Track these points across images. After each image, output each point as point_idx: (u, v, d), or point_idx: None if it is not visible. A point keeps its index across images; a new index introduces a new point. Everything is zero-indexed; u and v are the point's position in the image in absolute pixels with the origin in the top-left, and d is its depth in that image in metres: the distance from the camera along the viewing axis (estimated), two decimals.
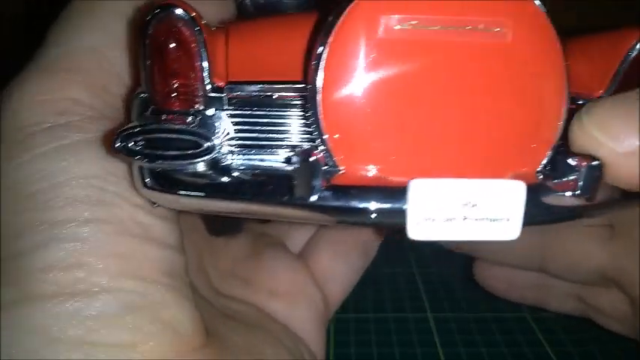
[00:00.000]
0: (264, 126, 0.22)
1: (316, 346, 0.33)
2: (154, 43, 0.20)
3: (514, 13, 0.20)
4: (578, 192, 0.21)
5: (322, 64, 0.19)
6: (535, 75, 0.20)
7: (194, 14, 0.20)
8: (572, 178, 0.21)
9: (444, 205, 0.19)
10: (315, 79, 0.19)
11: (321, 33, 0.19)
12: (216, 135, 0.21)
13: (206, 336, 0.24)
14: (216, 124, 0.21)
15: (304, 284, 0.35)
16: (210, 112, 0.21)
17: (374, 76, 0.19)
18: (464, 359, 0.43)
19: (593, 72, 0.24)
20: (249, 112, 0.22)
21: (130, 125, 0.20)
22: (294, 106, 0.22)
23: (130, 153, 0.19)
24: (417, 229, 0.19)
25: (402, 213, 0.19)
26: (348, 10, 0.19)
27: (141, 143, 0.20)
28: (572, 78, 0.23)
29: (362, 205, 0.20)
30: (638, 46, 0.23)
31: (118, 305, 0.21)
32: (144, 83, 0.21)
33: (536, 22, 0.20)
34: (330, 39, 0.19)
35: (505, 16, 0.20)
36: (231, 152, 0.21)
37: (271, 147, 0.22)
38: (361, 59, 0.19)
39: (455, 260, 0.58)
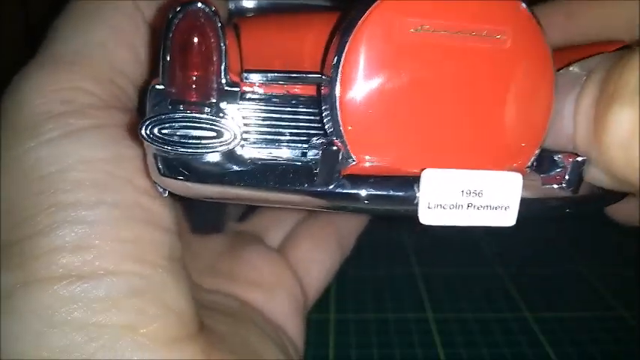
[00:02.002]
0: (275, 120, 0.23)
1: (295, 335, 0.34)
2: (178, 37, 0.21)
3: (513, 21, 0.22)
4: (565, 185, 0.23)
5: (342, 59, 0.21)
6: (529, 78, 0.22)
7: (215, 9, 0.21)
8: (557, 172, 0.23)
9: (452, 193, 0.21)
10: (335, 73, 0.21)
11: (341, 31, 0.21)
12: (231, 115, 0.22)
13: (200, 323, 0.25)
14: (230, 117, 0.22)
15: (282, 275, 0.36)
16: (224, 104, 0.22)
17: (388, 74, 0.21)
18: None
19: None
20: (261, 107, 0.23)
21: (155, 114, 0.20)
22: (305, 100, 0.23)
23: (155, 140, 0.20)
24: (428, 215, 0.22)
25: (413, 200, 0.21)
26: (369, 11, 0.21)
27: (164, 132, 0.20)
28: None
29: (379, 192, 0.22)
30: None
31: (123, 288, 0.21)
32: (163, 75, 0.21)
33: (531, 30, 0.22)
34: (351, 37, 0.21)
35: (505, 24, 0.22)
36: (242, 146, 0.22)
37: (282, 140, 0.23)
38: (377, 58, 0.21)
39: (455, 260, 0.58)
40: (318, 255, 0.39)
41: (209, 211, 0.38)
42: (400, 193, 0.22)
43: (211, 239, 0.37)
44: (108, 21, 0.25)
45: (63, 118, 0.22)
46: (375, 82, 0.21)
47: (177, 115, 0.20)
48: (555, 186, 0.23)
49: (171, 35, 0.21)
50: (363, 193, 0.21)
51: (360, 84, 0.21)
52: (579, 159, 0.22)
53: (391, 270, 0.56)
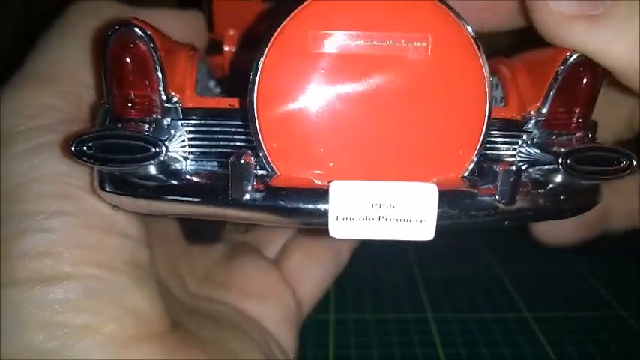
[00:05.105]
0: (215, 134, 0.24)
1: (287, 344, 0.35)
2: (113, 57, 0.22)
3: (433, 27, 0.21)
4: (497, 196, 0.22)
5: (257, 78, 0.21)
6: (454, 85, 0.22)
7: (150, 32, 0.22)
8: (494, 183, 0.22)
9: (361, 205, 0.21)
10: (251, 93, 0.21)
11: (256, 50, 0.21)
12: (171, 142, 0.23)
13: (169, 324, 0.26)
14: (171, 132, 0.23)
15: (275, 284, 0.37)
16: (166, 120, 0.23)
17: (304, 89, 0.21)
18: None
19: (532, 84, 0.26)
20: (201, 122, 0.23)
21: (84, 131, 0.22)
22: (240, 116, 0.23)
23: (83, 157, 0.21)
24: (338, 228, 0.21)
25: (325, 213, 0.21)
26: (280, 27, 0.21)
27: (94, 148, 0.21)
28: (518, 89, 0.25)
29: (289, 205, 0.21)
30: (569, 61, 0.24)
31: (81, 290, 0.23)
32: (105, 93, 0.22)
33: (456, 35, 0.22)
34: (263, 56, 0.21)
35: (424, 31, 0.21)
36: (185, 158, 0.23)
37: (221, 154, 0.24)
38: (292, 74, 0.21)
39: (455, 260, 0.58)
40: (312, 266, 0.40)
41: (203, 221, 0.39)
42: (311, 206, 0.21)
43: (211, 249, 0.39)
44: (79, 39, 0.27)
45: (29, 133, 0.24)
46: (294, 96, 0.21)
47: (102, 133, 0.21)
48: (491, 198, 0.22)
49: (106, 56, 0.22)
50: (275, 205, 0.21)
51: (278, 99, 0.21)
52: (512, 168, 0.22)
53: (391, 270, 0.56)
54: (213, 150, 0.24)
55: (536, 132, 0.25)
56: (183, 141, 0.23)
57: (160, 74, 0.22)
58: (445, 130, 0.22)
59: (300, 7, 0.21)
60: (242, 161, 0.21)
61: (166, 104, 0.23)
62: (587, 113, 0.25)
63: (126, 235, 0.25)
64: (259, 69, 0.21)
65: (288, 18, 0.21)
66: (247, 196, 0.21)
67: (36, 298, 0.22)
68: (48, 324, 0.22)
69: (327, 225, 0.21)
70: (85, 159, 0.21)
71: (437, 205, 0.21)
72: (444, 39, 0.21)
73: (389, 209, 0.21)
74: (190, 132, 0.24)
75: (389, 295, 0.51)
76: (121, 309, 0.24)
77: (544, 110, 0.25)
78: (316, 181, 0.22)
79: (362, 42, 0.21)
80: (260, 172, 0.22)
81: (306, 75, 0.21)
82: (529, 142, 0.25)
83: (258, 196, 0.21)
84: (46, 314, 0.22)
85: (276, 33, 0.21)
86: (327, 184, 0.21)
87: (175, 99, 0.23)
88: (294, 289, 0.38)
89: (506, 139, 0.25)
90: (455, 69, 0.22)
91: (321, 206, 0.21)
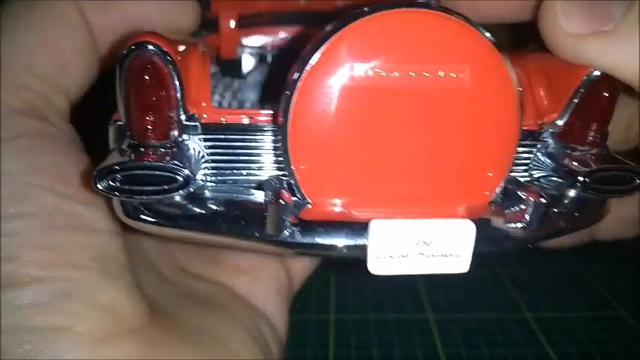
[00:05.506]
0: (237, 149, 0.23)
1: (279, 321, 0.35)
2: (130, 80, 0.21)
3: (472, 59, 0.21)
4: (526, 224, 0.22)
5: (294, 99, 0.20)
6: (488, 112, 0.22)
7: (166, 48, 0.21)
8: (520, 209, 0.23)
9: (401, 243, 0.21)
10: (286, 113, 0.21)
11: (293, 70, 0.21)
12: (191, 159, 0.22)
13: (149, 316, 0.25)
14: (190, 149, 0.22)
15: (267, 260, 0.37)
16: (184, 137, 0.22)
17: (340, 115, 0.21)
18: None
19: (549, 94, 0.25)
20: (222, 136, 0.23)
21: (106, 164, 0.21)
22: (266, 131, 0.23)
23: (111, 191, 0.21)
24: (377, 265, 0.21)
25: (364, 249, 0.21)
26: (319, 51, 0.20)
27: (117, 182, 0.21)
28: (534, 97, 0.25)
29: (328, 241, 0.22)
30: (591, 77, 0.24)
31: (49, 293, 0.22)
32: (122, 116, 0.22)
33: (493, 66, 0.21)
34: (302, 78, 0.20)
35: (462, 62, 0.21)
36: (206, 175, 0.23)
37: (243, 171, 0.23)
38: (329, 100, 0.21)
39: None
40: None
41: None
42: (350, 243, 0.22)
43: None
44: (36, 26, 0.25)
45: None
46: (327, 124, 0.21)
47: (128, 165, 0.21)
48: (517, 225, 0.23)
49: (123, 79, 0.21)
50: (313, 242, 0.22)
51: (312, 124, 0.21)
52: (542, 200, 0.22)
53: None
54: (236, 167, 0.23)
55: (550, 142, 0.25)
56: (203, 157, 0.23)
57: (179, 94, 0.21)
58: (476, 155, 0.22)
59: (340, 33, 0.20)
60: (281, 201, 0.21)
61: (186, 122, 0.22)
62: (604, 128, 0.25)
63: (94, 230, 0.24)
64: (296, 91, 0.20)
65: (328, 43, 0.20)
66: (285, 234, 0.21)
67: (2, 304, 0.22)
68: (17, 329, 0.22)
69: (364, 259, 0.21)
70: (111, 192, 0.21)
71: (473, 241, 0.22)
72: (481, 68, 0.21)
73: (427, 246, 0.21)
74: (209, 147, 0.23)
75: (389, 295, 0.51)
76: (95, 307, 0.23)
77: (560, 122, 0.25)
78: (352, 212, 0.22)
79: (398, 73, 0.21)
80: (293, 199, 0.22)
81: (342, 102, 0.21)
82: (543, 152, 0.25)
83: (295, 233, 0.21)
84: (13, 320, 0.22)
85: (315, 57, 0.20)
86: (363, 216, 0.21)
87: (195, 116, 0.22)
88: (285, 264, 0.38)
89: (522, 148, 0.25)
90: (490, 96, 0.22)
91: (360, 242, 0.21)
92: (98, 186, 0.20)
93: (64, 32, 0.26)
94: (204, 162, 0.23)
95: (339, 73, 0.20)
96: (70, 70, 0.26)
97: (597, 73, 0.23)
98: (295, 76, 0.20)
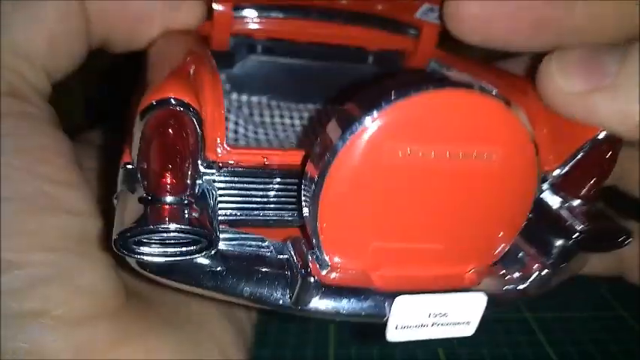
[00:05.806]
0: (250, 191, 0.23)
1: None
2: (151, 136, 0.20)
3: (505, 141, 0.21)
4: (525, 287, 0.25)
5: (334, 164, 0.20)
6: (511, 185, 0.22)
7: (188, 100, 0.20)
8: (522, 275, 0.25)
9: (421, 315, 0.23)
10: (320, 177, 0.20)
11: (332, 128, 0.21)
12: (209, 209, 0.22)
13: (125, 297, 0.25)
14: (207, 192, 0.22)
15: None
16: (200, 182, 0.22)
17: (371, 184, 0.21)
18: None
19: (551, 145, 0.26)
20: (235, 179, 0.23)
21: (126, 229, 0.20)
22: (283, 174, 0.23)
23: (134, 254, 0.20)
24: (395, 334, 0.23)
25: (383, 317, 0.23)
26: (360, 129, 0.20)
27: (138, 246, 0.20)
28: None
29: (349, 311, 0.23)
30: (596, 138, 0.24)
31: (27, 278, 0.22)
32: (135, 163, 0.21)
33: (523, 148, 0.22)
34: (342, 148, 0.20)
35: (497, 145, 0.21)
36: (223, 215, 0.23)
37: (258, 221, 0.24)
38: (366, 172, 0.21)
39: None
40: None
41: None
42: (372, 312, 0.23)
43: None
44: (29, 8, 0.25)
45: None
46: (359, 191, 0.21)
47: (153, 229, 0.20)
48: (516, 286, 0.25)
49: (144, 132, 0.20)
50: (337, 309, 0.23)
51: (345, 191, 0.21)
52: (546, 271, 0.24)
53: None
54: (250, 211, 0.24)
55: (546, 188, 0.26)
56: (215, 198, 0.23)
57: (200, 144, 0.21)
58: (493, 221, 0.23)
59: (379, 113, 0.20)
60: (310, 279, 0.21)
61: (204, 169, 0.22)
62: (601, 184, 0.25)
63: (74, 212, 0.24)
64: (337, 156, 0.20)
65: (363, 123, 0.20)
66: (311, 305, 0.22)
67: None
68: None
69: (382, 324, 0.23)
70: (133, 254, 0.20)
71: (483, 309, 0.23)
72: (512, 150, 0.21)
73: (442, 317, 0.23)
74: (222, 188, 0.23)
75: None
76: (73, 289, 0.23)
77: (559, 173, 0.25)
78: (371, 276, 0.23)
79: (435, 155, 0.21)
80: (315, 256, 0.22)
81: (375, 174, 0.21)
82: (537, 196, 0.25)
83: (320, 302, 0.22)
84: None
85: (351, 135, 0.20)
86: (381, 281, 0.23)
87: (214, 164, 0.22)
88: None
89: None
90: (515, 174, 0.22)
91: (381, 312, 0.23)
92: (120, 251, 0.20)
93: (57, 14, 0.25)
94: (219, 202, 0.23)
95: (376, 153, 0.20)
96: (59, 53, 0.26)
97: (604, 134, 0.24)
98: (338, 144, 0.20)
